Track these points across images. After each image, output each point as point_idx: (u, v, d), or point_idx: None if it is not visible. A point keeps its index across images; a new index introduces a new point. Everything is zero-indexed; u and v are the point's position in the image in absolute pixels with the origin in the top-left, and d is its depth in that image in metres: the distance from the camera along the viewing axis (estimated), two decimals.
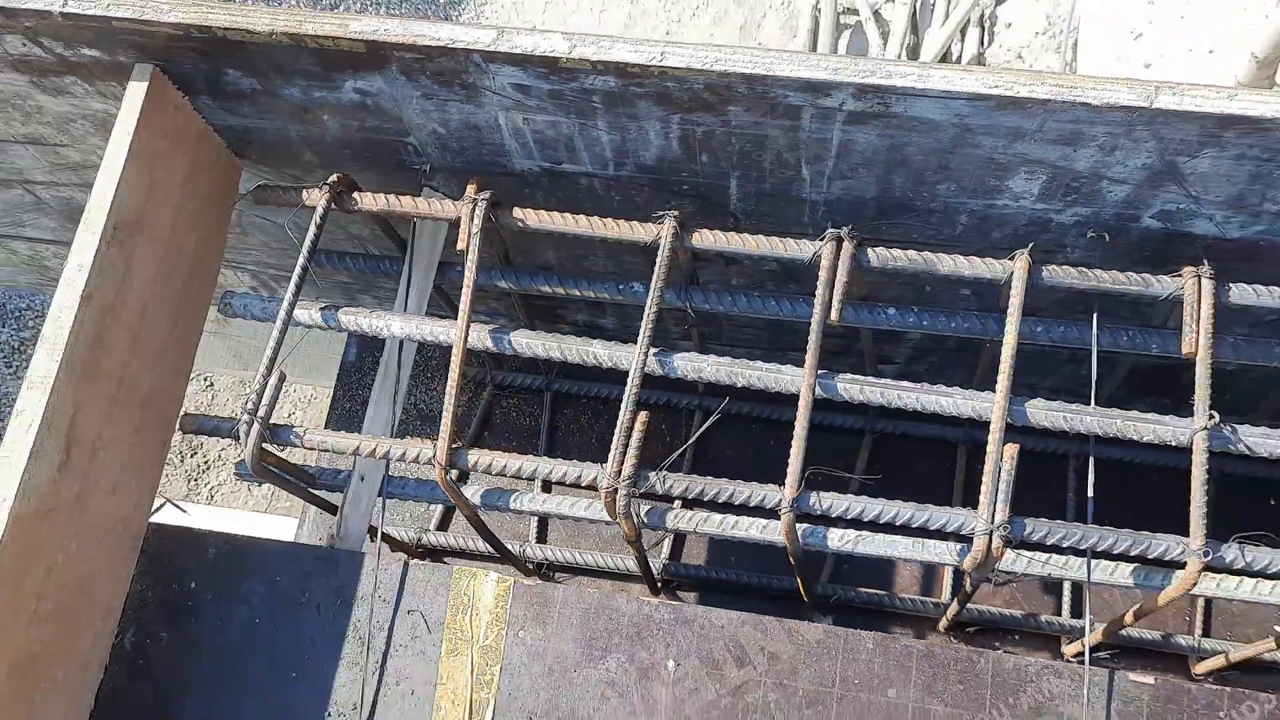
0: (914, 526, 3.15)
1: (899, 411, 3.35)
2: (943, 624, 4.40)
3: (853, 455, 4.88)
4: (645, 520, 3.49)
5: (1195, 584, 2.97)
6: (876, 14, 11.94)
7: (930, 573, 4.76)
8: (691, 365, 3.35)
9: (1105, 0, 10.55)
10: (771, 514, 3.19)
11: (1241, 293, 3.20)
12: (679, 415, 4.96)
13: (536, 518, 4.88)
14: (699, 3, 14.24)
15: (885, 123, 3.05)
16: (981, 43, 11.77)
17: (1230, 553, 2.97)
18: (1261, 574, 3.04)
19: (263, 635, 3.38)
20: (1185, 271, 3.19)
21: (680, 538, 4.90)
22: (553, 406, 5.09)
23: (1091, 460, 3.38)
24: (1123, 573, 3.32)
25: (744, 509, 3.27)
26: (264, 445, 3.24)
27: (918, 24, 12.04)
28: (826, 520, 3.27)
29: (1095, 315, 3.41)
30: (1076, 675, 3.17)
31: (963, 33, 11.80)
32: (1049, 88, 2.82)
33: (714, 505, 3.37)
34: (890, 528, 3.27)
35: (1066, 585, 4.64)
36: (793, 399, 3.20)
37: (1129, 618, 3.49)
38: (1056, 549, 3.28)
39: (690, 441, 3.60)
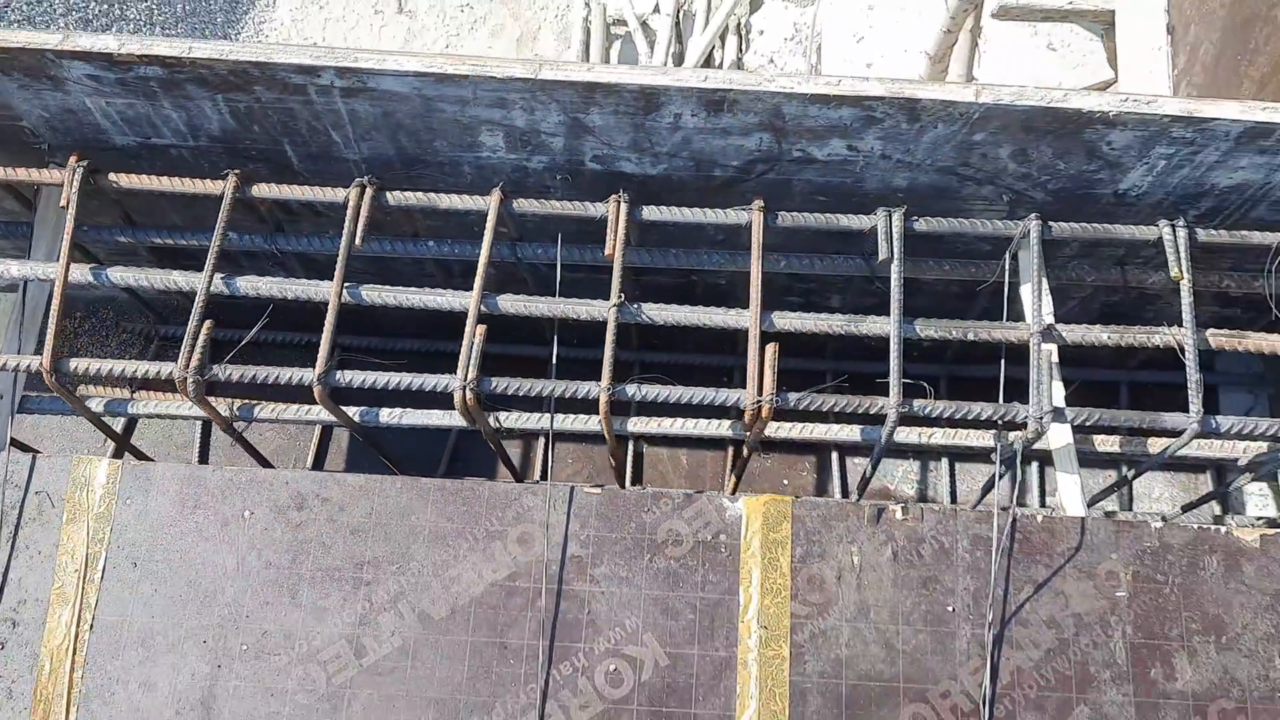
0: (415, 391, 4.28)
1: None
2: None
3: None
4: (237, 413, 4.54)
5: (607, 413, 4.21)
6: (644, 24, 13.16)
7: (525, 461, 5.96)
8: (250, 285, 4.39)
9: (838, 9, 12.06)
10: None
11: (650, 212, 4.47)
12: None
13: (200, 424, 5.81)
14: (476, 18, 15.12)
15: (370, 95, 4.18)
16: (740, 49, 13.16)
17: (630, 389, 4.22)
18: (664, 405, 4.30)
19: None
20: (610, 199, 4.43)
21: (323, 446, 5.94)
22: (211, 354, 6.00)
23: (555, 336, 4.58)
24: (592, 423, 4.55)
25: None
26: None
27: (681, 33, 13.32)
28: (354, 394, 4.37)
29: (560, 236, 4.64)
30: (545, 491, 4.37)
31: (722, 39, 13.16)
32: (468, 67, 4.00)
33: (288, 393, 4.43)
34: (429, 398, 4.41)
35: (630, 457, 5.92)
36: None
37: (612, 461, 4.74)
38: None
39: (247, 340, 4.60)
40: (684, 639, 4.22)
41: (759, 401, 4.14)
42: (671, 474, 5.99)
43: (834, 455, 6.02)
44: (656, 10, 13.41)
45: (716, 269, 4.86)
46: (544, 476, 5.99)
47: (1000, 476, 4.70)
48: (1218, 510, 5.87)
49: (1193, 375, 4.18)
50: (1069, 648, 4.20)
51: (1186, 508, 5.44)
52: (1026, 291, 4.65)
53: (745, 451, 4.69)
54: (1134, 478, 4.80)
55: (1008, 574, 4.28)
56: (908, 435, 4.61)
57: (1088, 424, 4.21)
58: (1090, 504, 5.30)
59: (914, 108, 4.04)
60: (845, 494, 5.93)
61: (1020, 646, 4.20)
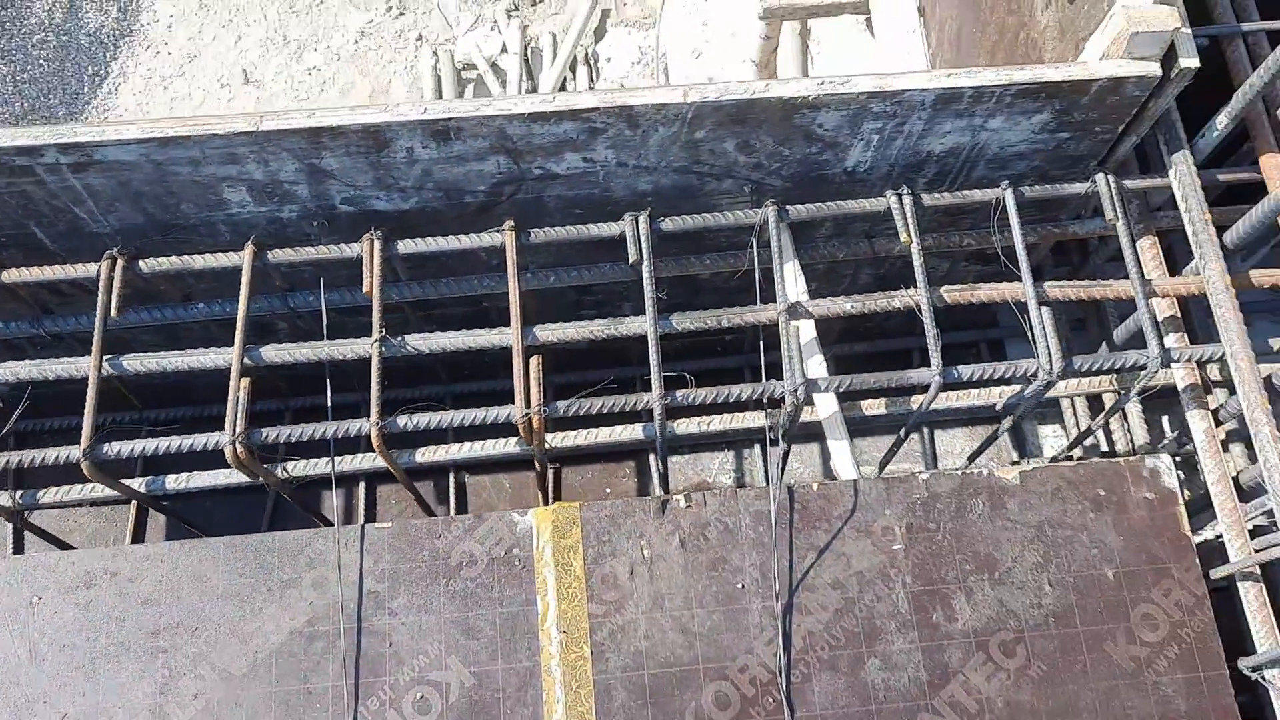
0: (189, 452, 4.29)
1: None
2: None
3: None
4: (20, 502, 4.49)
5: (382, 447, 4.28)
6: (494, 65, 13.26)
7: (349, 507, 5.99)
8: (9, 370, 4.37)
9: (676, 29, 12.37)
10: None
11: (407, 245, 4.57)
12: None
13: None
14: (325, 80, 15.00)
15: (100, 167, 4.20)
16: (591, 78, 13.35)
17: (400, 420, 4.30)
18: (431, 431, 4.40)
19: None
20: (364, 238, 4.52)
21: (140, 527, 5.88)
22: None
23: (328, 379, 4.65)
24: (370, 460, 4.62)
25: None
26: None
27: (532, 69, 13.44)
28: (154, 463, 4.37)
29: (322, 280, 4.72)
30: (334, 534, 4.41)
31: (573, 71, 13.32)
32: (189, 127, 4.06)
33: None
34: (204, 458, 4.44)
35: (452, 489, 6.00)
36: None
37: (413, 494, 4.80)
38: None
39: (7, 427, 4.59)
40: (487, 656, 4.30)
41: (527, 414, 4.27)
42: (496, 500, 6.07)
43: (651, 458, 6.17)
44: (504, 50, 13.54)
45: (491, 292, 4.97)
46: (368, 519, 6.02)
47: (786, 453, 4.89)
48: (1015, 456, 6.18)
49: (930, 331, 4.42)
50: (855, 605, 4.40)
51: (971, 457, 5.72)
52: (788, 271, 4.87)
53: (538, 466, 4.80)
54: (906, 435, 5.04)
55: (791, 544, 4.46)
56: (688, 426, 4.78)
57: (841, 390, 4.43)
58: (881, 466, 5.54)
59: (631, 114, 4.22)
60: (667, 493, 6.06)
61: (809, 611, 4.38)
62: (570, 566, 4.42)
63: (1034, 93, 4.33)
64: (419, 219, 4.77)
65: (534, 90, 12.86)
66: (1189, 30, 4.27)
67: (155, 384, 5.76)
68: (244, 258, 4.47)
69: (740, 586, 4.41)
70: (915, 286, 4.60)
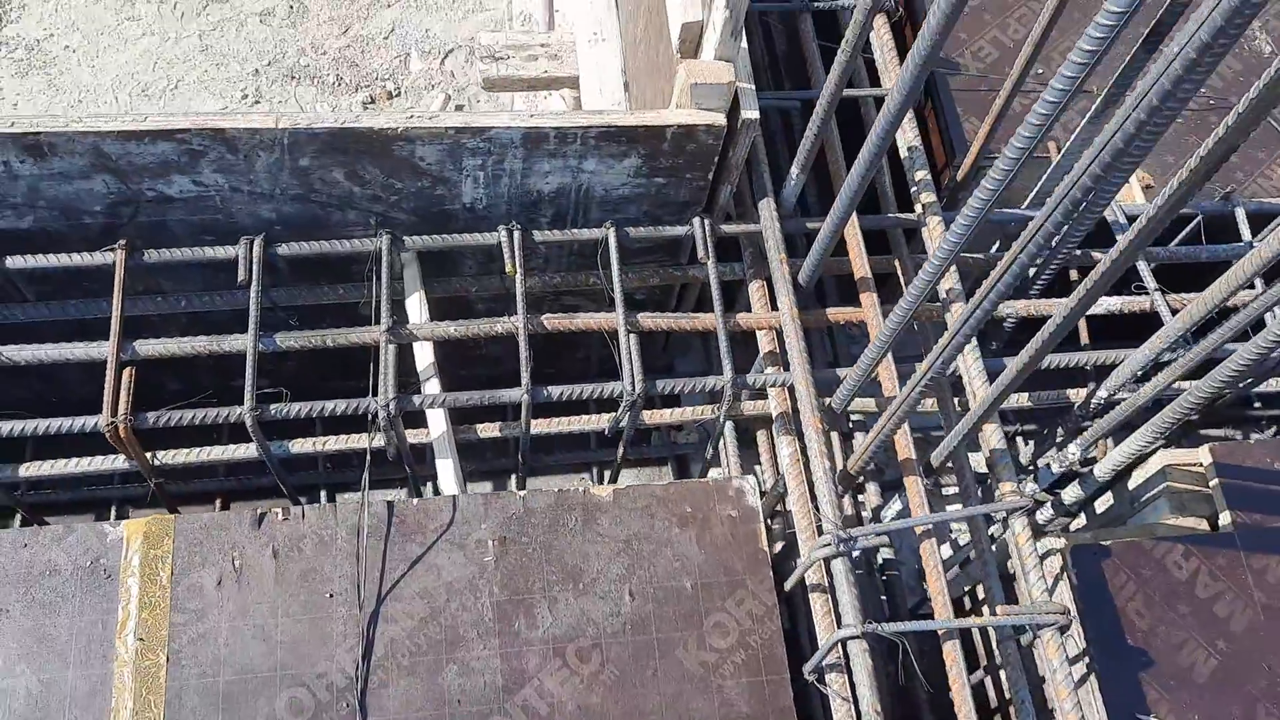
0: None
1: None
2: None
3: None
4: None
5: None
6: None
7: None
8: None
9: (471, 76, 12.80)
10: None
11: (14, 262, 4.66)
12: None
13: None
14: None
15: None
16: None
17: None
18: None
19: None
20: None
21: None
22: None
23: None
24: None
25: None
26: None
27: None
28: None
29: None
30: None
31: None
32: None
33: None
34: None
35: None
36: None
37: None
38: None
39: None
40: (59, 664, 4.29)
41: (113, 422, 4.36)
42: None
43: (322, 495, 6.29)
44: None
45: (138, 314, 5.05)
46: None
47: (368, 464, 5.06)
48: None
49: (524, 354, 4.71)
50: (441, 614, 4.56)
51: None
52: (413, 301, 5.13)
53: (150, 484, 4.86)
54: (525, 461, 5.28)
55: (384, 556, 4.62)
56: (304, 446, 4.92)
57: (432, 405, 4.66)
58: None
59: (225, 137, 4.45)
60: None
61: (394, 620, 4.52)
62: (157, 576, 4.47)
63: (614, 136, 4.74)
64: (43, 240, 4.87)
65: None
66: (751, 86, 4.76)
67: None
68: None
69: (329, 596, 4.53)
70: (532, 314, 4.91)
